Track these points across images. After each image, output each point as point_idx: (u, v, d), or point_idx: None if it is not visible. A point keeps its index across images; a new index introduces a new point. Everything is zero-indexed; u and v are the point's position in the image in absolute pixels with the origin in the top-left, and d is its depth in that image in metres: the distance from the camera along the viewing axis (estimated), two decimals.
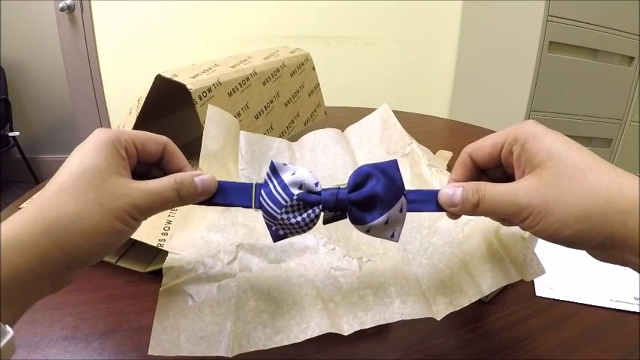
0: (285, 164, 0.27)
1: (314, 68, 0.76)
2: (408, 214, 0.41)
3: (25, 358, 0.31)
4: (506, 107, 1.56)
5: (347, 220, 0.40)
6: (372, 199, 0.26)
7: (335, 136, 0.55)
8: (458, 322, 0.36)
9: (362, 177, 0.27)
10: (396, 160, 0.28)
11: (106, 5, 1.52)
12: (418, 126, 0.91)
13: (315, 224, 0.28)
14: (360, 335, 0.29)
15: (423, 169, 0.47)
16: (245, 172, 0.45)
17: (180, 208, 0.40)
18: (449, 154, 0.67)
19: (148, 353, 0.27)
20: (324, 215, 0.28)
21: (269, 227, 0.28)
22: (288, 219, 0.27)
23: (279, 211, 0.26)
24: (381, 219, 0.27)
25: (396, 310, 0.30)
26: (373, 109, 0.58)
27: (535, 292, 0.41)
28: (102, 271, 0.41)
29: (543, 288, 0.41)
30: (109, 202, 0.23)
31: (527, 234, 0.37)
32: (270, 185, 0.27)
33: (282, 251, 0.36)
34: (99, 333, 0.34)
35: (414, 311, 0.30)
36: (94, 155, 0.24)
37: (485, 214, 0.26)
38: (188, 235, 0.37)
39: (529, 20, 1.40)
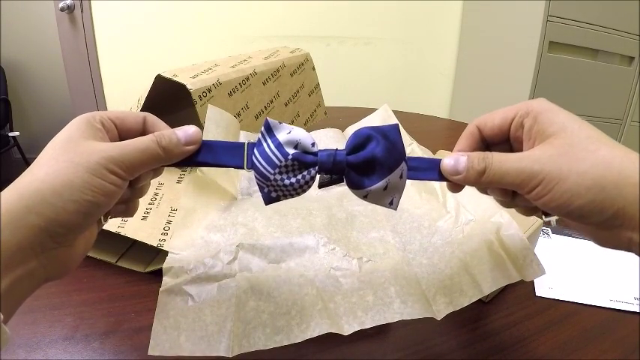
0: (280, 122, 0.25)
1: (314, 68, 0.76)
2: (408, 214, 0.41)
3: (25, 358, 0.31)
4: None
5: (347, 221, 0.41)
6: (372, 163, 0.25)
7: (335, 136, 0.55)
8: (458, 322, 0.36)
9: (361, 139, 0.25)
10: (397, 124, 0.26)
11: (106, 5, 1.52)
12: (418, 126, 0.91)
13: (309, 187, 0.26)
14: (360, 335, 0.29)
15: None
16: (245, 171, 0.45)
17: (180, 207, 0.40)
18: (448, 154, 0.67)
19: (148, 353, 0.27)
20: (319, 178, 0.26)
21: (261, 189, 0.26)
22: (282, 180, 0.25)
23: (272, 172, 0.25)
24: (380, 184, 0.25)
25: (396, 310, 0.30)
26: (373, 109, 0.58)
27: (535, 292, 0.41)
28: (102, 271, 0.41)
29: (543, 288, 0.41)
30: (82, 159, 0.21)
31: (527, 232, 0.37)
32: (264, 144, 0.25)
33: (282, 251, 0.36)
34: (99, 333, 0.34)
35: (414, 311, 0.30)
36: (67, 129, 0.23)
37: (491, 184, 0.25)
38: (188, 235, 0.37)
39: (529, 20, 1.40)
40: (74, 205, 0.21)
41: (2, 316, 0.18)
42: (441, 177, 0.27)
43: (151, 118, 0.26)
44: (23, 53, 1.89)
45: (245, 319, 0.29)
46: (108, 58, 1.59)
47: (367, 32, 1.75)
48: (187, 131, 0.25)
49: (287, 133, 0.25)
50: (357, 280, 0.33)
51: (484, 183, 0.25)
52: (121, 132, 0.25)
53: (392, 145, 0.25)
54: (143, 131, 0.26)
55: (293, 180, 0.25)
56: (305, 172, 0.25)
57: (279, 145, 0.25)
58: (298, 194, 0.26)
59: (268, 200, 0.26)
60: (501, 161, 0.24)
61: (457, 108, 1.91)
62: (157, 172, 0.28)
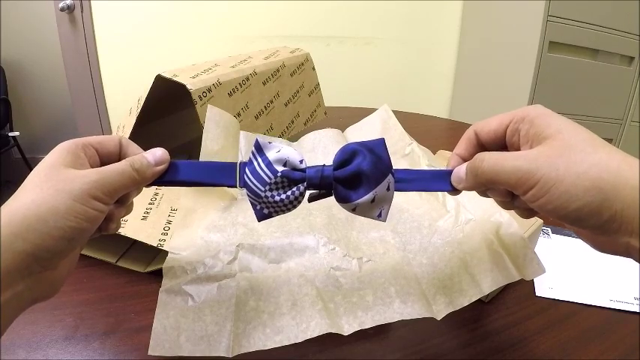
0: (270, 142, 0.27)
1: (314, 68, 0.76)
2: (408, 214, 0.41)
3: (25, 358, 0.31)
4: (506, 107, 1.55)
5: (347, 221, 0.41)
6: (358, 177, 0.26)
7: (335, 137, 0.55)
8: (458, 322, 0.36)
9: (348, 154, 0.26)
10: (383, 138, 0.27)
11: (106, 5, 1.52)
12: (418, 126, 0.91)
13: (299, 202, 0.27)
14: (360, 335, 0.29)
15: None
16: None
17: (180, 207, 0.40)
18: (449, 154, 0.67)
19: (148, 353, 0.27)
20: (309, 193, 0.28)
21: (254, 206, 0.27)
22: (272, 197, 0.26)
23: (263, 189, 0.26)
24: (367, 197, 0.26)
25: (396, 310, 0.30)
26: (373, 109, 0.58)
27: (535, 292, 0.41)
28: (102, 271, 0.41)
29: (543, 288, 0.41)
30: (65, 186, 0.22)
31: (527, 232, 0.37)
32: (255, 163, 0.26)
33: (282, 251, 0.36)
34: (99, 333, 0.34)
35: (414, 311, 0.30)
36: (50, 157, 0.24)
37: (487, 182, 0.25)
38: (188, 235, 0.37)
39: (529, 20, 1.40)
40: (59, 232, 0.21)
41: None
42: (427, 187, 0.29)
43: (125, 140, 0.28)
44: (23, 53, 1.89)
45: (245, 319, 0.29)
46: (108, 58, 1.59)
47: (367, 32, 1.75)
48: (155, 153, 0.27)
49: (276, 151, 0.26)
50: (357, 280, 0.33)
51: (480, 182, 0.25)
52: (102, 156, 0.27)
53: (377, 159, 0.26)
54: (120, 153, 0.28)
55: (283, 196, 0.26)
56: (294, 189, 0.26)
57: (268, 164, 0.26)
58: (289, 210, 0.27)
59: (261, 217, 0.28)
60: (496, 158, 0.24)
61: (457, 108, 1.91)
62: (138, 190, 0.29)
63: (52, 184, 0.22)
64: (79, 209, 0.22)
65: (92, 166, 0.25)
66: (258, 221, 0.28)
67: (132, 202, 0.30)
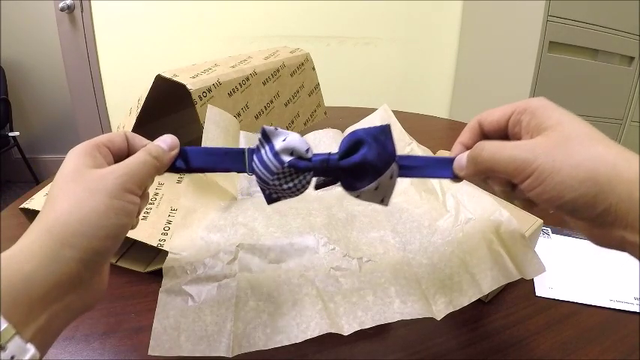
0: (276, 128, 0.27)
1: (314, 68, 0.76)
2: (408, 213, 0.41)
3: None
4: None
5: (347, 221, 0.41)
6: (363, 167, 0.26)
7: (335, 137, 0.55)
8: (458, 322, 0.36)
9: (353, 143, 0.27)
10: (388, 124, 0.27)
11: (106, 5, 1.52)
12: (418, 126, 0.91)
13: (306, 189, 0.28)
14: (360, 335, 0.29)
15: None
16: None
17: (180, 207, 0.40)
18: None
19: (148, 353, 0.27)
20: (316, 180, 0.28)
21: (263, 191, 0.28)
22: (280, 185, 0.27)
23: (271, 178, 0.27)
24: (371, 185, 0.26)
25: (396, 310, 0.30)
26: (373, 109, 0.58)
27: (535, 292, 0.41)
28: None
29: (543, 288, 0.41)
30: (98, 185, 0.22)
31: (527, 232, 0.37)
32: (262, 151, 0.27)
33: (282, 251, 0.36)
34: (99, 333, 0.34)
35: (414, 311, 0.30)
36: (69, 162, 0.24)
37: (486, 171, 0.26)
38: (188, 235, 0.37)
39: (529, 20, 1.40)
40: (104, 231, 0.21)
41: (34, 351, 0.18)
42: (430, 174, 0.29)
43: (130, 134, 0.28)
44: (23, 53, 1.89)
45: (245, 319, 0.29)
46: (108, 58, 1.59)
47: (367, 32, 1.75)
48: (166, 140, 0.28)
49: (282, 140, 0.26)
50: (357, 280, 0.33)
51: (480, 170, 0.26)
52: (114, 153, 0.27)
53: (382, 149, 0.26)
54: (128, 148, 0.28)
55: (291, 184, 0.27)
56: (301, 177, 0.27)
57: (275, 154, 0.26)
58: (297, 195, 0.28)
59: (270, 201, 0.29)
60: (496, 146, 0.25)
61: (457, 108, 1.91)
62: (153, 180, 0.29)
63: (83, 187, 0.22)
64: (118, 205, 0.22)
65: (109, 164, 0.25)
66: (268, 204, 0.29)
67: (148, 193, 0.30)
